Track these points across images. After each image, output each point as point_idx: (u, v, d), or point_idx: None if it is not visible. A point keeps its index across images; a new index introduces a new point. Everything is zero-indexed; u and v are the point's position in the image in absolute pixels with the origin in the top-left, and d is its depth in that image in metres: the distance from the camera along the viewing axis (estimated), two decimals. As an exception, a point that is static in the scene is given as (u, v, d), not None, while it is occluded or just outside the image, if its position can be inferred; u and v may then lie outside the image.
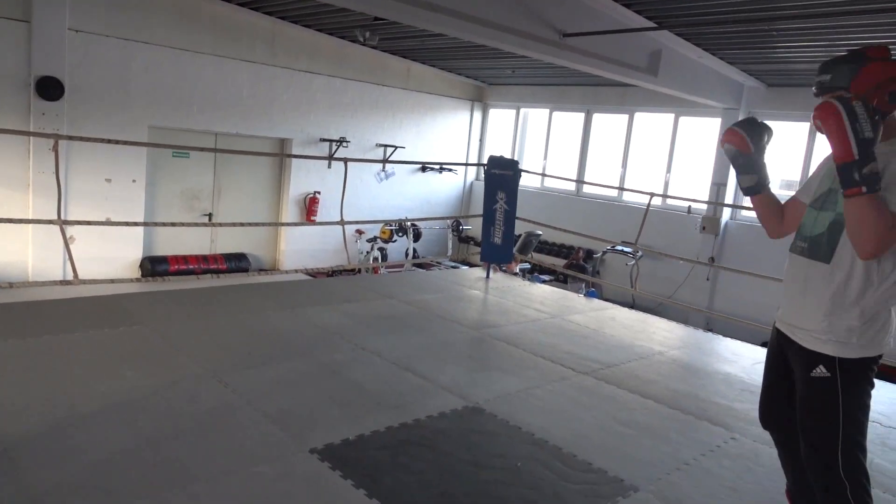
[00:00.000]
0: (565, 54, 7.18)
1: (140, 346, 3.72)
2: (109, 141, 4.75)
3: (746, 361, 4.62)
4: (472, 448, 2.94)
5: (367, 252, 10.82)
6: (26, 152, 8.53)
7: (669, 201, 10.61)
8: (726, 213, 10.17)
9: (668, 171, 10.97)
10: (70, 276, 4.69)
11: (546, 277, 10.68)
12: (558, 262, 11.76)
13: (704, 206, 10.17)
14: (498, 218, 6.10)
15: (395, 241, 11.24)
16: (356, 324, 4.55)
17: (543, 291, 6.45)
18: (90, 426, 2.74)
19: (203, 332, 4.07)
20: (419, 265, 11.10)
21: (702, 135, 10.76)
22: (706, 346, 5.01)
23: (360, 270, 10.07)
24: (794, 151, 9.69)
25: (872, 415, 2.21)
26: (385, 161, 12.05)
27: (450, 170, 13.52)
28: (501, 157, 6.22)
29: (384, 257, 11.11)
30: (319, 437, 2.85)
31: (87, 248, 8.86)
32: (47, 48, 8.33)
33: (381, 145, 12.49)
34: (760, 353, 4.90)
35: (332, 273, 10.78)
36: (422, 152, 13.07)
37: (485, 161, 13.92)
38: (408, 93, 12.75)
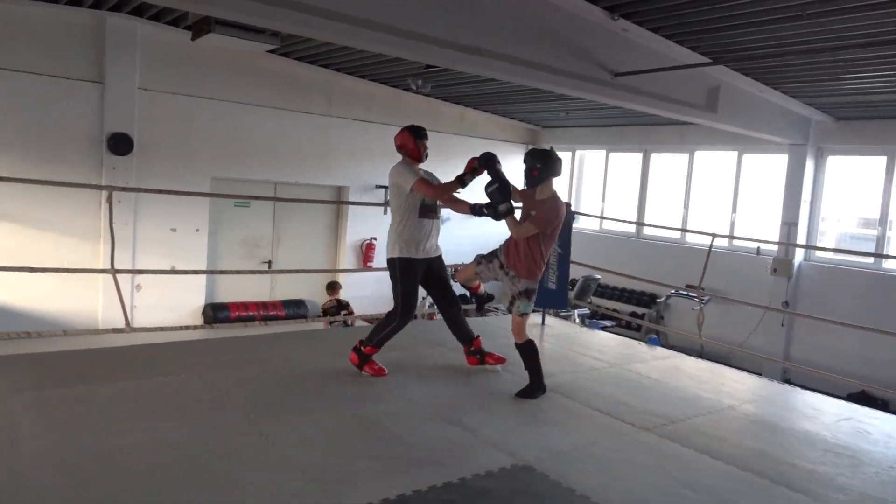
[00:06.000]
0: (617, 94, 7.03)
1: (185, 395, 3.68)
2: (161, 191, 4.90)
3: (829, 418, 4.21)
4: (521, 512, 2.72)
5: (423, 297, 10.71)
6: (98, 205, 8.94)
7: (737, 242, 10.11)
8: (799, 254, 9.61)
9: (734, 210, 10.52)
10: (133, 323, 4.76)
11: (606, 323, 10.30)
12: (619, 307, 11.36)
13: (775, 248, 9.65)
14: (552, 262, 5.89)
15: (450, 286, 11.11)
16: (403, 373, 4.41)
17: (602, 339, 6.17)
18: (115, 477, 2.68)
19: (250, 381, 4.02)
20: (496, 309, 10.91)
21: (768, 172, 10.31)
22: (782, 400, 4.62)
23: (416, 316, 9.97)
24: (871, 186, 9.14)
25: None
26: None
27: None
28: (554, 200, 6.05)
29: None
30: (358, 495, 2.69)
31: (154, 295, 9.15)
32: (118, 106, 8.80)
33: (436, 191, 12.51)
34: (845, 409, 4.48)
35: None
36: (477, 196, 13.00)
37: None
38: (462, 138, 12.80)
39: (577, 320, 8.54)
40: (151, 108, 9.09)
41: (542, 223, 4.05)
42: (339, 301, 9.36)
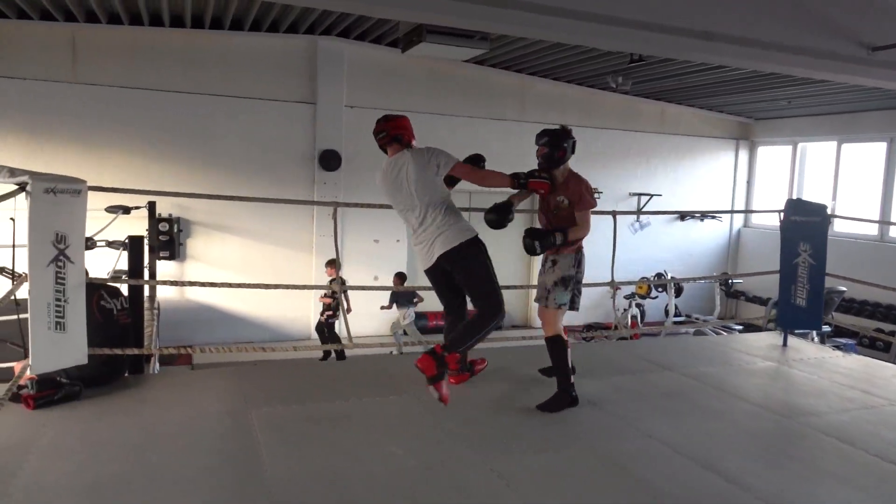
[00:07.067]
0: (875, 72, 5.87)
1: (408, 419, 3.54)
2: (376, 206, 4.89)
3: None
4: None
5: (625, 309, 10.03)
6: (310, 219, 9.52)
7: None
8: None
9: None
10: (345, 337, 4.83)
11: (843, 341, 8.82)
12: (862, 325, 9.73)
13: None
14: (800, 275, 5.01)
15: (654, 297, 10.30)
16: (634, 402, 3.91)
17: (867, 365, 5.12)
18: (363, 515, 2.54)
19: (465, 403, 3.78)
20: (683, 323, 9.99)
21: None
22: None
23: (616, 327, 9.35)
24: None
25: None
26: (639, 213, 11.29)
27: (713, 217, 12.22)
28: (803, 201, 5.17)
29: (642, 315, 10.22)
30: (615, 559, 2.28)
31: (357, 303, 9.51)
32: (328, 124, 9.31)
33: (634, 194, 11.76)
34: None
35: (586, 330, 10.20)
36: (680, 199, 12.03)
37: (754, 205, 12.41)
38: (662, 136, 11.91)
39: (816, 339, 7.34)
40: (356, 124, 9.49)
41: (589, 203, 3.74)
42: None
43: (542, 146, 3.77)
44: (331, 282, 8.43)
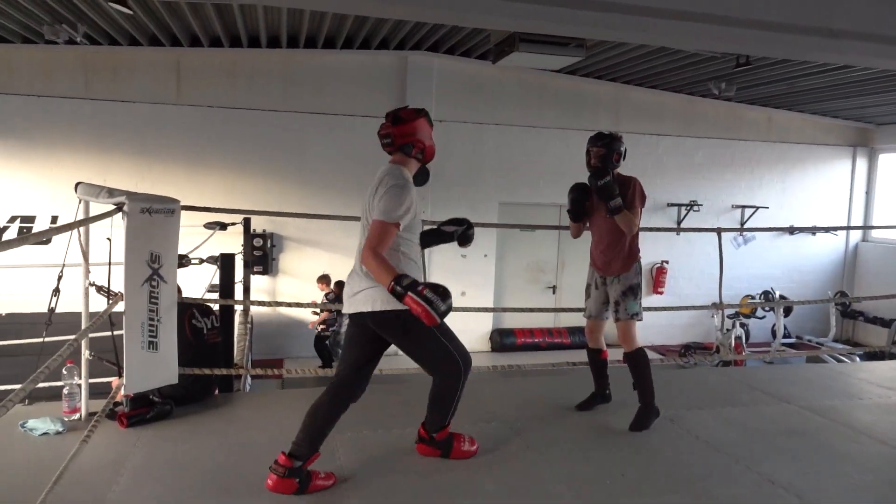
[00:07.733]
0: None
1: (496, 449, 3.31)
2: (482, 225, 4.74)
3: None
4: None
5: (728, 330, 9.36)
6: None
7: None
8: None
9: None
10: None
11: None
12: None
13: None
14: (945, 298, 4.42)
15: (761, 316, 9.58)
16: (749, 440, 3.52)
17: None
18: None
19: (564, 435, 3.52)
20: (795, 347, 9.21)
21: None
22: None
23: (718, 349, 8.74)
24: None
25: None
26: (742, 229, 10.58)
27: (826, 231, 11.28)
28: (947, 215, 4.56)
29: (747, 336, 9.51)
30: None
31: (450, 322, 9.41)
32: (417, 140, 9.29)
33: (737, 206, 11.04)
34: None
35: (684, 351, 9.64)
36: (788, 212, 11.19)
37: (875, 218, 11.35)
38: (769, 145, 11.14)
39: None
40: (445, 139, 9.39)
41: (642, 201, 3.64)
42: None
43: (599, 147, 3.67)
44: (326, 296, 8.67)
